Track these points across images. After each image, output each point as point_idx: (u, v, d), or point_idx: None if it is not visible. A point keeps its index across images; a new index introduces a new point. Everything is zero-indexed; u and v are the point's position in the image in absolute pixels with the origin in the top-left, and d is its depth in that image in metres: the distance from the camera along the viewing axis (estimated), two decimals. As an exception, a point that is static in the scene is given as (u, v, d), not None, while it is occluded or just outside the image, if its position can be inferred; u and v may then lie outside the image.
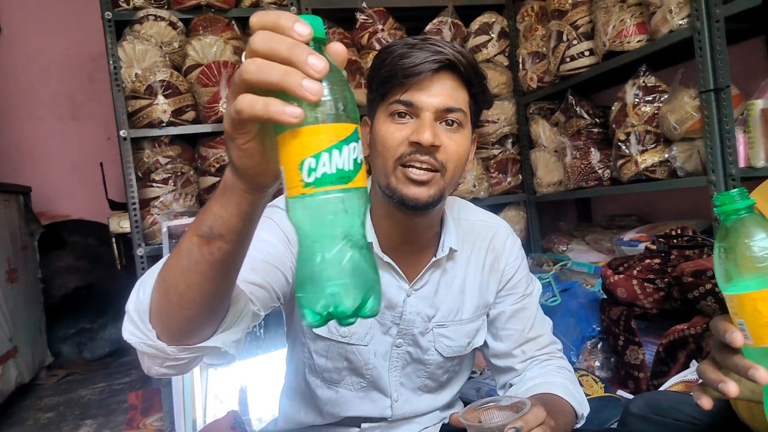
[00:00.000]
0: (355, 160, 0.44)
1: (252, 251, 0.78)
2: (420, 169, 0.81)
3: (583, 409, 0.95)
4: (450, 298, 0.97)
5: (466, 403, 1.76)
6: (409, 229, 0.91)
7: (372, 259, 0.47)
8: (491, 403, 0.76)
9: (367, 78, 0.91)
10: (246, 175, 0.51)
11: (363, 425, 0.99)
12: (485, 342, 1.03)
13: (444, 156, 0.82)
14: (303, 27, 0.43)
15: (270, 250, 0.83)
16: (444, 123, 0.83)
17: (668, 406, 0.97)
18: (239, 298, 0.68)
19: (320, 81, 0.42)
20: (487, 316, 1.02)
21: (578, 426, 0.95)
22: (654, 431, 0.94)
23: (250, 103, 0.43)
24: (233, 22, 2.61)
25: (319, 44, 0.45)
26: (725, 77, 1.74)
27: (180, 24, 2.57)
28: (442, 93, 0.83)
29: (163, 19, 2.49)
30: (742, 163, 1.73)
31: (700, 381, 0.63)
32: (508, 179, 2.90)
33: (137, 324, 0.63)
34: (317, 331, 0.92)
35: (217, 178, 2.48)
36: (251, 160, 0.49)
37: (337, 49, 0.46)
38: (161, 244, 2.14)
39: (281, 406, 1.07)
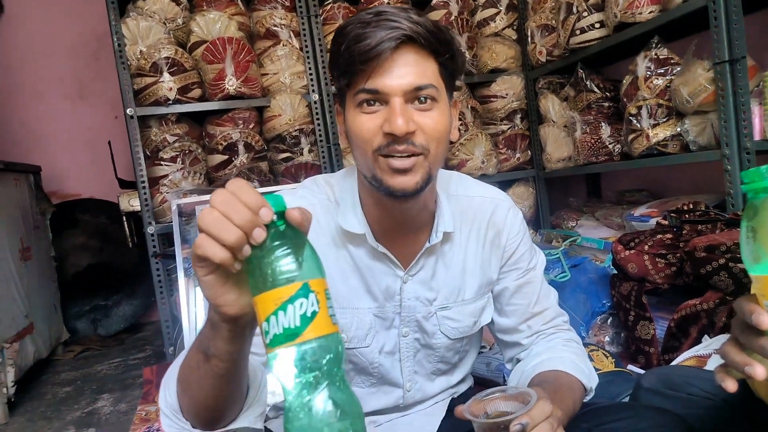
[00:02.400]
0: (303, 315, 0.50)
1: None
2: (401, 157, 0.77)
3: (592, 382, 0.94)
4: (450, 279, 0.94)
5: (476, 378, 1.78)
6: (401, 215, 0.88)
7: (347, 391, 0.52)
8: (497, 394, 0.75)
9: (329, 67, 0.85)
10: (215, 306, 0.57)
11: (375, 417, 0.99)
12: (492, 319, 1.02)
13: (423, 138, 0.78)
14: (266, 211, 0.52)
15: None
16: (416, 101, 0.78)
17: (681, 381, 0.97)
18: (256, 374, 0.74)
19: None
20: (492, 292, 1.01)
21: (588, 398, 0.95)
22: (667, 405, 0.93)
23: (201, 245, 0.53)
24: (237, -3, 2.57)
25: (280, 215, 0.53)
26: (741, 48, 1.70)
27: (184, 0, 2.54)
28: (407, 72, 0.76)
29: (166, -6, 2.46)
30: (757, 136, 1.71)
31: (723, 362, 0.62)
32: (517, 155, 2.88)
33: (172, 419, 0.72)
34: None
35: (225, 156, 2.48)
36: (212, 291, 0.56)
37: (293, 215, 0.54)
38: (171, 221, 2.15)
39: None
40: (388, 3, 2.67)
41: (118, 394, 2.30)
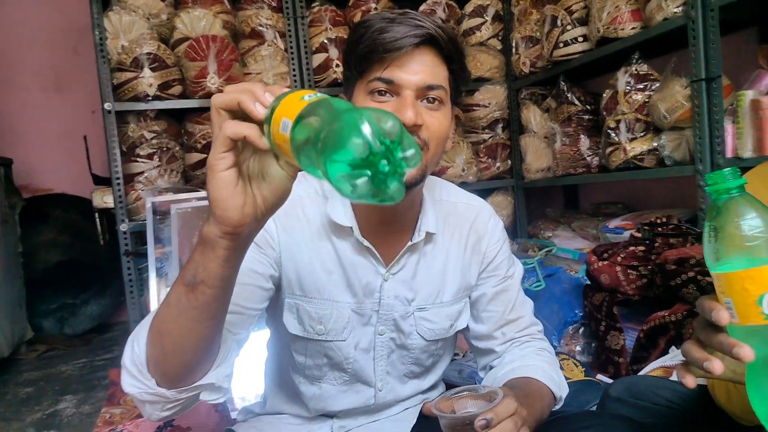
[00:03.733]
0: None
1: None
2: None
3: (562, 391, 0.95)
4: (430, 280, 0.95)
5: (447, 385, 1.78)
6: (389, 210, 0.89)
7: None
8: (465, 392, 0.76)
9: (344, 54, 0.88)
10: (221, 211, 0.57)
11: (345, 422, 0.98)
12: (467, 324, 1.03)
13: (426, 134, 0.81)
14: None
15: (245, 269, 0.82)
16: (425, 100, 0.82)
17: (646, 390, 0.98)
18: (225, 336, 0.74)
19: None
20: (470, 298, 1.02)
21: (557, 407, 0.95)
22: (632, 414, 0.94)
23: (229, 126, 0.55)
24: (223, -4, 2.55)
25: None
26: (717, 67, 1.74)
27: (168, -5, 2.52)
28: (423, 70, 0.81)
29: (150, -11, 2.43)
30: (729, 153, 1.74)
31: (684, 360, 0.63)
32: (497, 164, 2.90)
33: (136, 376, 0.68)
34: (294, 331, 0.91)
35: (204, 155, 2.45)
36: (225, 190, 0.56)
37: None
38: (145, 220, 2.12)
39: (266, 394, 1.05)
40: (376, 8, 2.67)
41: (82, 396, 2.24)
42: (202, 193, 2.18)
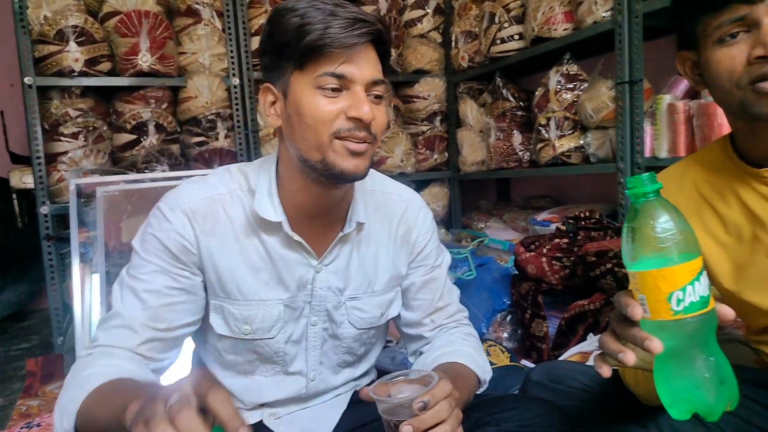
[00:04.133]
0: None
1: (147, 299, 0.85)
2: (357, 142, 0.81)
3: (486, 374, 1.00)
4: (362, 270, 0.97)
5: (380, 371, 1.81)
6: (324, 203, 0.90)
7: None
8: (401, 377, 0.78)
9: (266, 41, 0.85)
10: None
11: (276, 409, 0.99)
12: (411, 336, 1.06)
13: (375, 128, 0.83)
14: None
15: (164, 289, 0.86)
16: (371, 95, 0.83)
17: (563, 375, 1.04)
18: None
19: None
20: (401, 287, 1.04)
21: (481, 390, 1.00)
22: (550, 397, 1.00)
23: None
24: (157, -30, 2.44)
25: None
26: (639, 71, 1.85)
27: (97, -34, 2.38)
28: (369, 65, 0.82)
29: (77, -42, 2.29)
30: (647, 153, 1.86)
31: (601, 351, 0.67)
32: (435, 156, 2.96)
33: None
34: (219, 330, 0.91)
35: (133, 136, 2.36)
36: None
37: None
38: (68, 202, 2.01)
39: None
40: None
41: (-4, 386, 2.12)
42: (131, 176, 2.10)
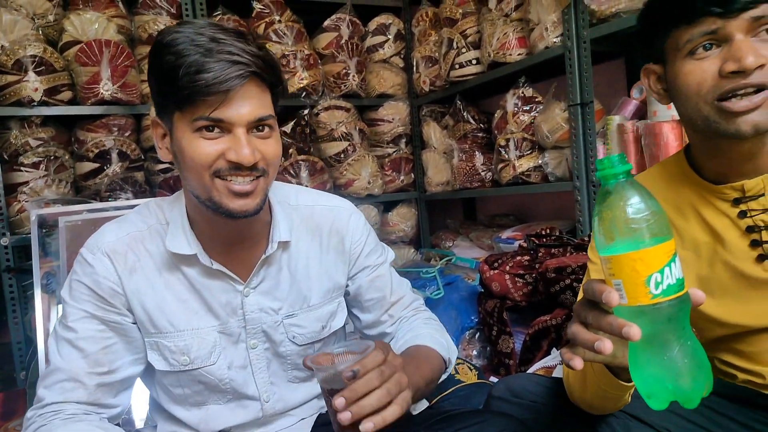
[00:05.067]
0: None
1: (85, 347, 0.85)
2: (242, 182, 0.81)
3: (450, 354, 1.00)
4: (295, 287, 0.96)
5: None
6: (235, 230, 0.90)
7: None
8: (342, 348, 0.79)
9: (151, 76, 0.82)
10: None
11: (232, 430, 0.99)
12: (357, 316, 1.06)
13: (264, 163, 0.82)
14: None
15: (98, 334, 0.87)
16: (255, 130, 0.82)
17: (524, 388, 1.06)
18: None
19: None
20: (348, 294, 1.04)
21: (449, 369, 1.00)
22: (513, 411, 1.02)
23: None
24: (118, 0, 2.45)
25: None
26: (589, 93, 1.94)
27: (56, -5, 2.38)
28: (250, 104, 0.79)
29: (36, -12, 2.29)
30: (601, 171, 1.94)
31: (568, 342, 0.65)
32: (402, 177, 3.01)
33: None
34: (159, 366, 0.91)
35: (96, 164, 2.33)
36: None
37: None
38: (29, 233, 1.98)
39: (155, 421, 1.03)
40: (279, 20, 2.69)
41: (-46, 426, 2.04)
42: (93, 204, 2.07)
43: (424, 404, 1.04)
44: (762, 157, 0.79)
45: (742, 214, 0.82)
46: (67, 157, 2.35)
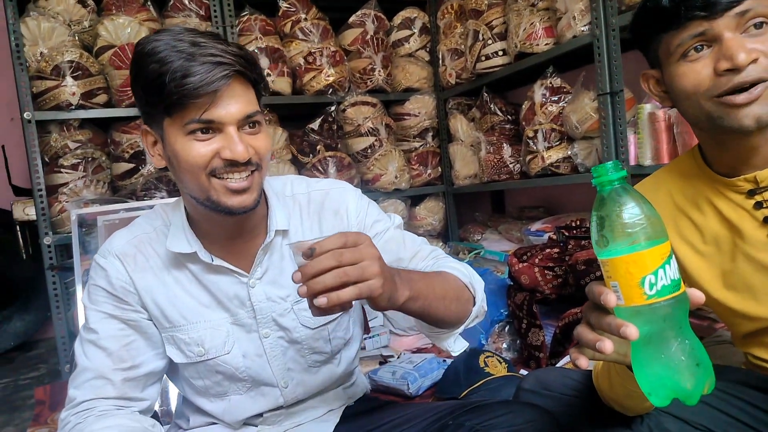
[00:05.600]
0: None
1: (107, 346, 0.90)
2: (239, 178, 0.84)
3: (474, 281, 0.97)
4: None
5: (381, 388, 1.84)
6: (234, 225, 0.93)
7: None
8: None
9: (135, 84, 0.84)
10: None
11: (259, 421, 1.01)
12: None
13: (257, 158, 0.85)
14: None
15: (118, 332, 0.91)
16: (246, 127, 0.85)
17: (554, 381, 1.07)
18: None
19: None
20: None
21: (477, 296, 0.97)
22: (543, 403, 1.02)
23: None
24: (149, 3, 2.52)
25: None
26: (619, 82, 1.90)
27: (91, 2, 2.45)
28: (237, 102, 0.82)
29: (72, -5, 2.37)
30: (632, 161, 1.91)
31: (577, 343, 0.67)
32: (428, 171, 3.01)
33: None
34: (177, 359, 0.95)
35: (132, 165, 2.41)
36: None
37: None
38: (70, 232, 2.06)
39: (186, 414, 1.07)
40: (305, 17, 2.71)
41: (5, 417, 2.14)
42: (130, 204, 2.14)
43: (462, 343, 1.02)
44: None
45: (758, 205, 0.82)
46: (104, 158, 2.43)
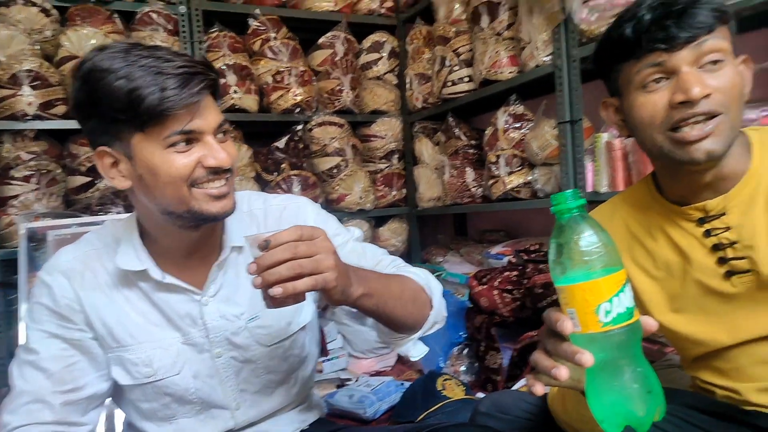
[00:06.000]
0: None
1: (48, 367, 0.87)
2: (219, 185, 0.85)
3: (431, 283, 0.97)
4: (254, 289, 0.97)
5: (338, 412, 1.80)
6: (194, 240, 0.92)
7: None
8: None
9: (84, 106, 0.82)
10: None
11: None
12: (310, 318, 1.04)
13: (231, 163, 0.86)
14: None
15: (60, 352, 0.89)
16: (219, 135, 0.86)
17: (510, 404, 1.07)
18: None
19: None
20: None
21: (433, 299, 0.96)
22: (498, 427, 1.03)
23: None
24: (115, 15, 2.48)
25: None
26: (579, 111, 1.96)
27: (54, 12, 2.40)
28: (211, 110, 0.84)
29: (34, 4, 2.32)
30: (589, 188, 1.96)
31: (533, 369, 0.68)
32: (393, 193, 3.02)
33: None
34: (123, 381, 0.93)
35: (88, 178, 2.34)
36: None
37: None
38: (17, 247, 1.97)
39: None
40: (275, 37, 2.72)
41: (-63, 441, 2.01)
42: (84, 218, 2.08)
43: (422, 348, 1.02)
44: (719, 179, 0.82)
45: (707, 233, 0.85)
46: (59, 171, 2.35)
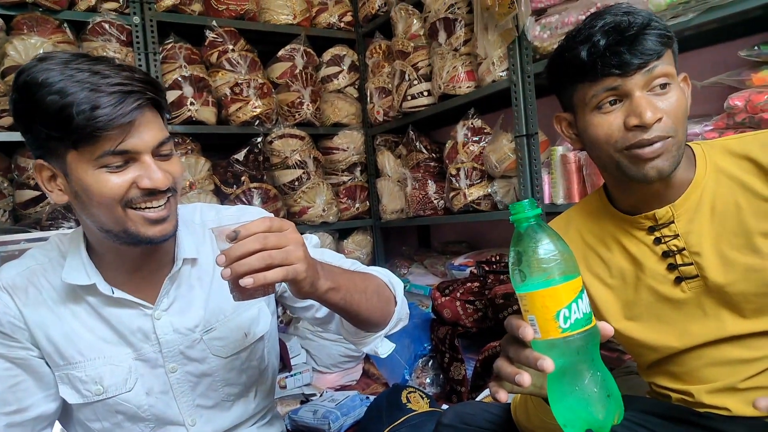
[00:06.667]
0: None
1: None
2: (157, 208, 0.82)
3: (393, 279, 0.98)
4: (211, 301, 0.96)
5: (301, 428, 1.78)
6: (141, 255, 0.90)
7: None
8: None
9: (21, 117, 0.79)
10: None
11: None
12: (302, 307, 1.02)
13: (172, 182, 0.84)
14: None
15: (4, 372, 0.86)
16: (158, 157, 0.83)
17: (473, 415, 1.08)
18: None
19: None
20: (279, 294, 1.02)
21: (396, 294, 0.97)
22: (462, 439, 1.03)
23: None
24: (65, 25, 2.41)
25: None
26: (534, 125, 2.02)
27: (-1, 20, 2.31)
28: (151, 129, 0.80)
29: (-23, 12, 2.22)
30: (547, 200, 2.01)
31: (496, 376, 0.69)
32: (357, 205, 3.02)
33: None
34: (72, 400, 0.89)
35: (37, 192, 2.25)
36: None
37: None
38: (-40, 265, 1.87)
39: None
40: (233, 49, 2.69)
41: None
42: (33, 234, 1.99)
43: (389, 345, 1.01)
44: (667, 189, 0.87)
45: (657, 241, 0.89)
46: (6, 184, 2.26)
